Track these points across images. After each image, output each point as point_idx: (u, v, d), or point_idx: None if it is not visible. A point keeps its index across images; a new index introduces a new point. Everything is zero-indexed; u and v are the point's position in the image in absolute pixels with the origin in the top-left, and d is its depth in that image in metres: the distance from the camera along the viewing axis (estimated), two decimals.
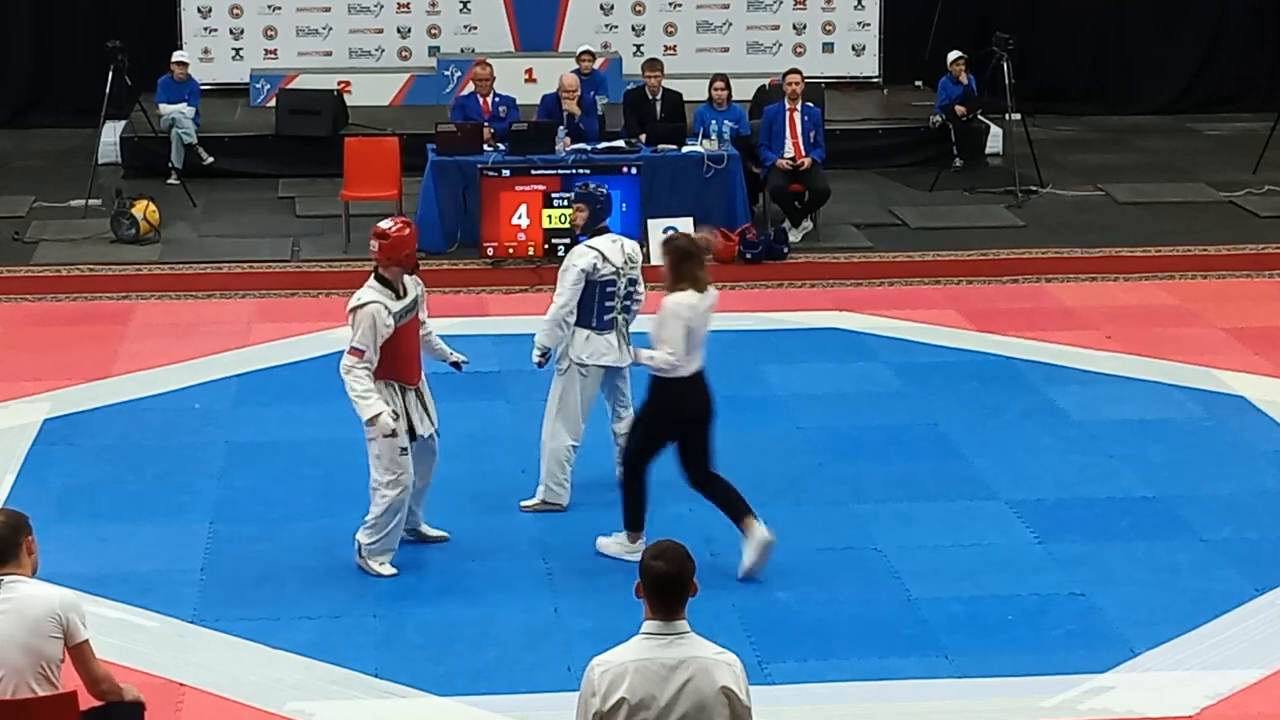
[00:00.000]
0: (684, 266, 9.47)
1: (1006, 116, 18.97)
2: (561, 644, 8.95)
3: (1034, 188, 18.56)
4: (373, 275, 9.64)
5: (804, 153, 16.80)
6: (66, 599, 6.77)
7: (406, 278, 9.68)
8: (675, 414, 9.66)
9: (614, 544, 9.98)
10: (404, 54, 21.33)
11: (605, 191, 10.90)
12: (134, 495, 10.87)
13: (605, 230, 10.67)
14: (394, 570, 9.76)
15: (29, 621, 6.67)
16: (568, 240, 15.37)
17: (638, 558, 8.82)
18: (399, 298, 9.58)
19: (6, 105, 21.51)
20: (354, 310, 9.51)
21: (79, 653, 6.79)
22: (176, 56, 19.14)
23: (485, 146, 16.45)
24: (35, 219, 17.39)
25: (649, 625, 5.89)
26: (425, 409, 9.84)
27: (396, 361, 9.59)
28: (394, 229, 9.61)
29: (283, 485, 11.01)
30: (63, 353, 13.44)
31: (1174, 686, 8.62)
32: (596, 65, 18.62)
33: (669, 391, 9.57)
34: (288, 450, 11.58)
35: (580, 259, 10.44)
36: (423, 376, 9.85)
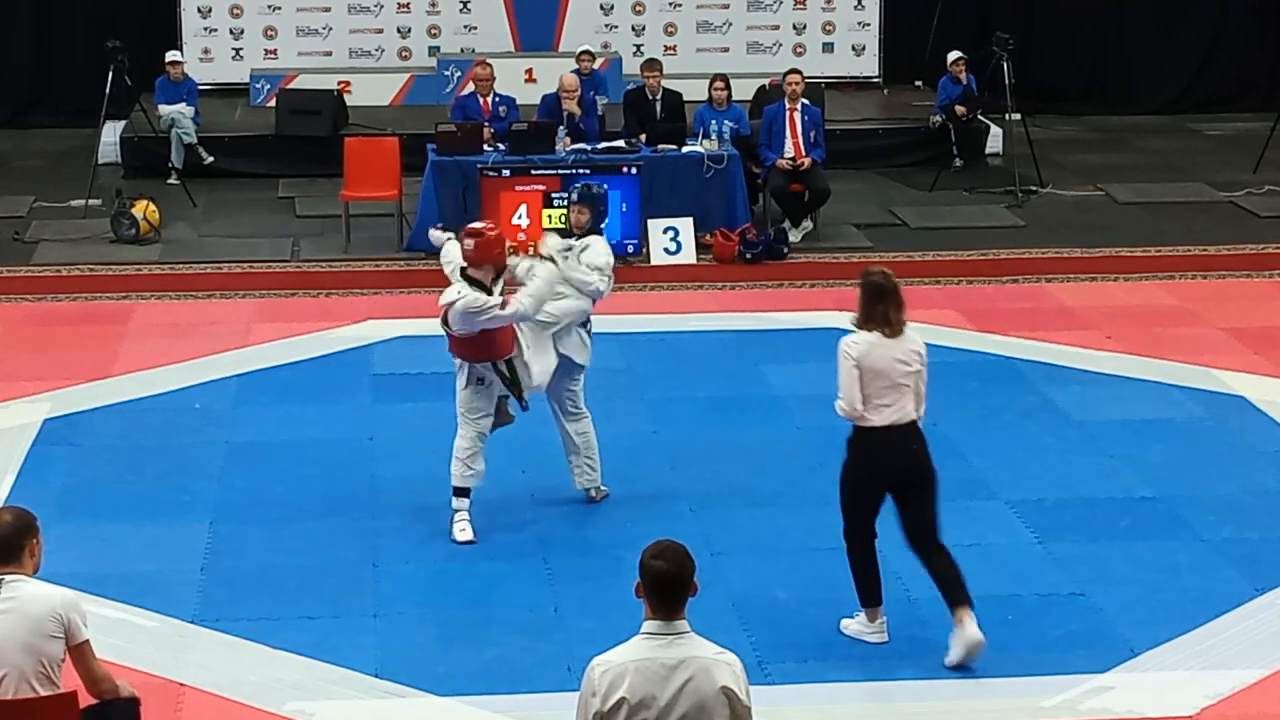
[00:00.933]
0: (875, 306, 8.75)
1: (1006, 116, 18.97)
2: (561, 644, 8.94)
3: (1034, 188, 18.56)
4: (460, 273, 9.97)
5: (804, 153, 16.79)
6: (68, 599, 6.78)
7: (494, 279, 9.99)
8: (861, 471, 8.81)
9: (855, 624, 9.05)
10: (404, 54, 21.34)
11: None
12: (134, 495, 10.87)
13: (600, 233, 10.67)
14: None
15: (30, 621, 6.67)
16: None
17: (880, 638, 8.87)
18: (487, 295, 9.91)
19: (6, 105, 21.52)
20: (450, 305, 9.86)
21: (79, 653, 6.80)
22: (170, 57, 19.13)
23: (485, 146, 16.45)
24: (35, 219, 17.40)
25: (649, 625, 5.89)
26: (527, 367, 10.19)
27: (492, 342, 9.97)
28: (488, 229, 10.02)
29: (283, 485, 11.01)
30: (63, 353, 13.44)
31: (1174, 686, 8.62)
32: (596, 65, 18.62)
33: (854, 445, 8.83)
34: (288, 450, 11.58)
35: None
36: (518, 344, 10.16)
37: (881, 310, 8.72)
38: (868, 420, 8.67)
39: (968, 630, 8.69)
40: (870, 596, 8.93)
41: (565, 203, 15.33)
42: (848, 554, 8.93)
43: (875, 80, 21.91)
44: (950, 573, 8.75)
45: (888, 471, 8.75)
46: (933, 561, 8.80)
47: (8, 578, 6.72)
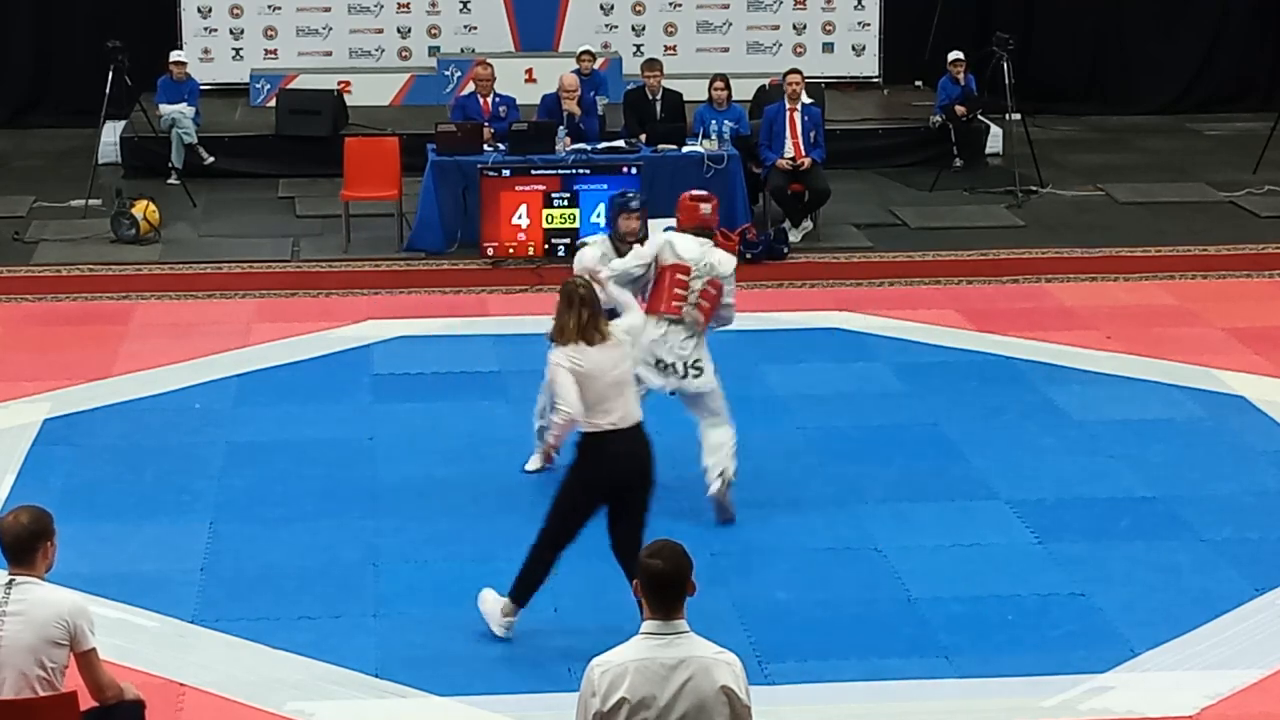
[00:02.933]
0: (565, 317, 8.80)
1: (1006, 116, 18.97)
2: (561, 644, 8.94)
3: (1034, 188, 18.56)
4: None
5: (804, 153, 16.79)
6: (76, 606, 6.76)
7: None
8: (588, 475, 8.86)
9: (491, 604, 9.08)
10: (404, 54, 21.33)
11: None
12: (134, 495, 10.87)
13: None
14: None
15: (37, 626, 6.66)
16: (568, 240, 15.41)
17: (502, 633, 8.83)
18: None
19: (6, 105, 21.51)
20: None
21: (85, 660, 6.79)
22: (174, 56, 19.13)
23: (485, 146, 16.44)
24: (35, 219, 17.39)
25: (648, 625, 5.89)
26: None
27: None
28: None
29: (283, 485, 11.01)
30: (63, 353, 13.44)
31: (1174, 686, 8.62)
32: (596, 65, 18.61)
33: (582, 450, 8.87)
34: (288, 450, 11.58)
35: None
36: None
37: (578, 321, 8.72)
38: (595, 425, 8.69)
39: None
40: (523, 594, 8.94)
41: (566, 202, 15.40)
42: (533, 550, 8.92)
43: (875, 80, 21.91)
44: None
45: (613, 473, 8.78)
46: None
47: (18, 579, 6.72)
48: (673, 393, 10.53)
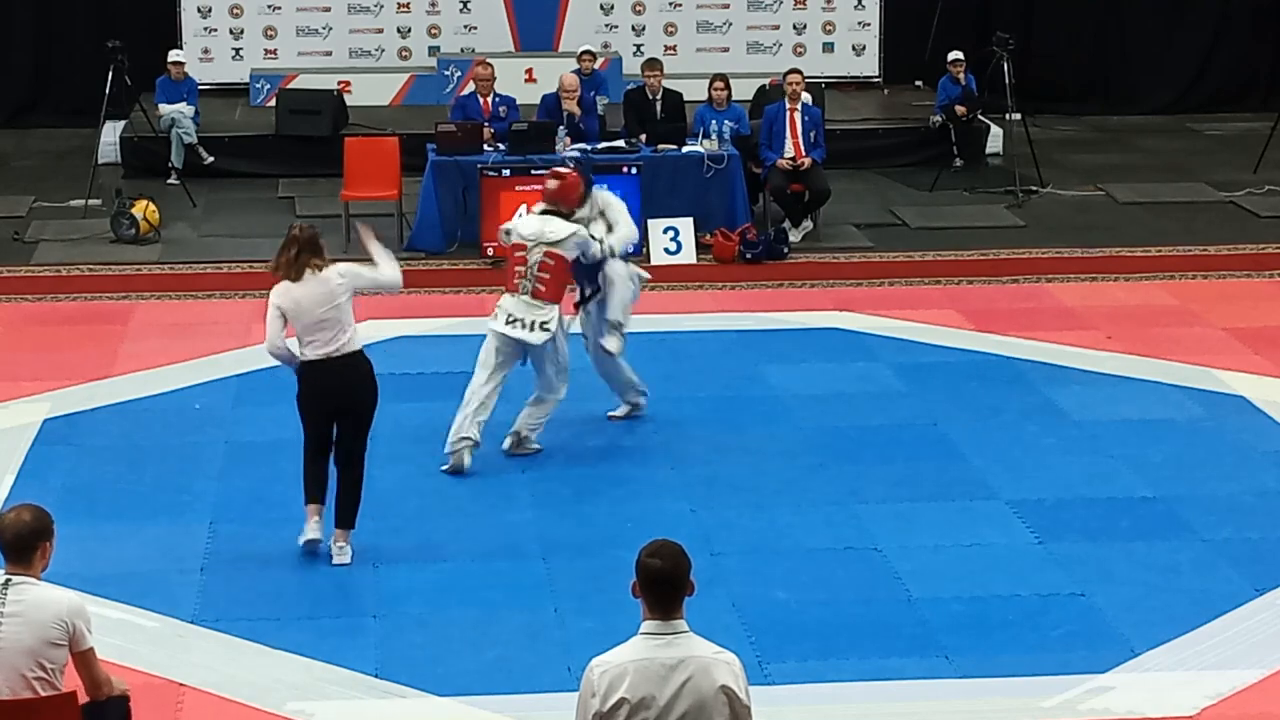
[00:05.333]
0: (280, 256, 9.81)
1: (1006, 116, 18.96)
2: (561, 644, 8.95)
3: (1034, 188, 18.56)
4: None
5: (804, 153, 16.79)
6: (74, 606, 6.75)
7: None
8: (304, 400, 9.92)
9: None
10: (404, 54, 21.33)
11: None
12: (134, 495, 10.87)
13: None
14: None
15: (36, 627, 6.65)
16: None
17: (310, 535, 9.82)
18: None
19: (6, 105, 21.51)
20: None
21: (83, 659, 6.79)
22: (173, 56, 19.12)
23: (485, 146, 16.45)
24: (35, 219, 17.39)
25: (647, 625, 5.89)
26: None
27: None
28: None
29: (283, 485, 10.98)
30: (63, 353, 13.43)
31: (1174, 686, 8.62)
32: (596, 65, 18.61)
33: (299, 378, 9.94)
34: (288, 450, 11.52)
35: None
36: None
37: (286, 259, 9.74)
38: (305, 355, 9.75)
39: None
40: (314, 494, 9.93)
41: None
42: (304, 463, 10.00)
43: (875, 80, 21.91)
44: (347, 498, 9.87)
45: (324, 399, 9.82)
46: (341, 482, 9.88)
47: (15, 579, 6.71)
48: (524, 363, 11.30)
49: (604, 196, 11.74)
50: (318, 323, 9.66)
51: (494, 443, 11.56)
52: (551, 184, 11.47)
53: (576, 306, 11.76)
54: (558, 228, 11.22)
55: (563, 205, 11.35)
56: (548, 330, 11.12)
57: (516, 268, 11.21)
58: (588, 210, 11.49)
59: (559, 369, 11.32)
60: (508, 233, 11.52)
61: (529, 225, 11.34)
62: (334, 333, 9.67)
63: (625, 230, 11.58)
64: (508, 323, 11.14)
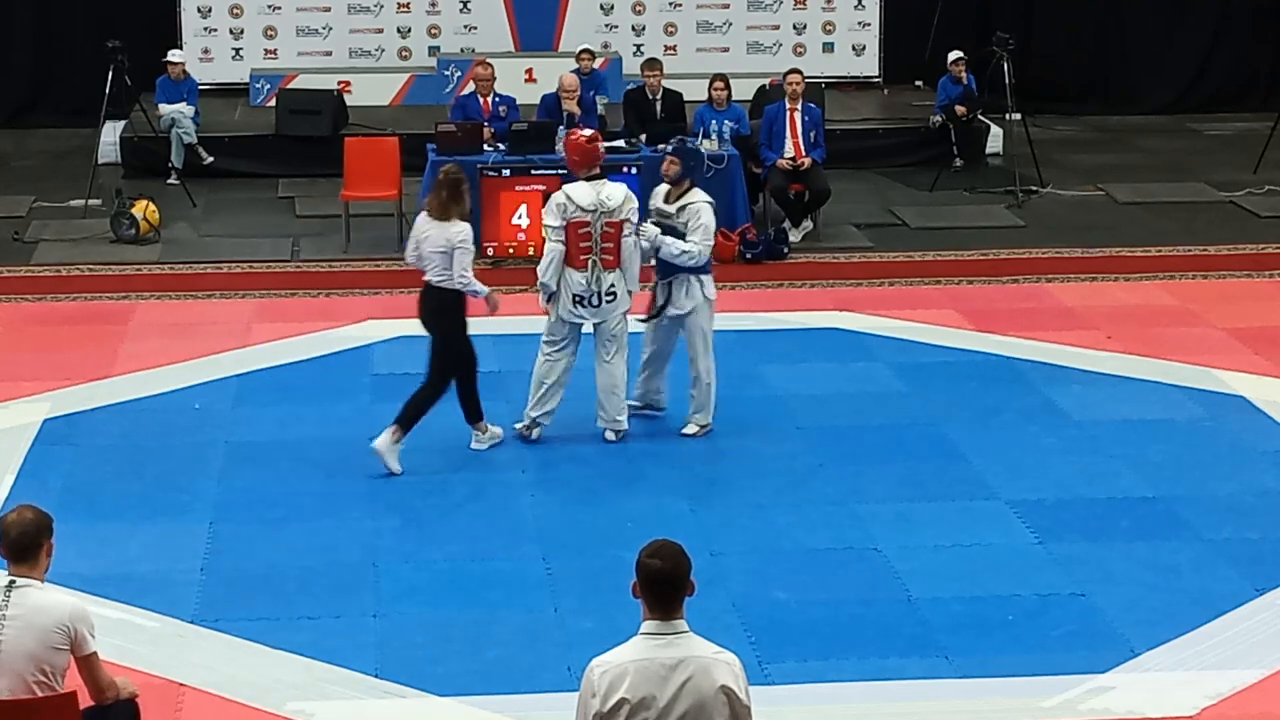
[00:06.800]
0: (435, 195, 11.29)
1: (1006, 116, 18.96)
2: (561, 644, 8.95)
3: (1034, 188, 18.56)
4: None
5: (804, 153, 16.79)
6: (76, 610, 6.74)
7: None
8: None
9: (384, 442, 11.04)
10: (404, 54, 21.33)
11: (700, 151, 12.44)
12: (134, 495, 10.87)
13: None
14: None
15: (37, 631, 6.65)
16: None
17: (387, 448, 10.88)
18: None
19: (6, 105, 21.51)
20: None
21: (86, 663, 6.78)
22: (172, 56, 19.11)
23: (485, 146, 16.45)
24: (35, 219, 17.39)
25: (647, 625, 5.89)
26: None
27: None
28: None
29: (283, 485, 11.01)
30: (63, 353, 13.43)
31: (1174, 686, 8.62)
32: (596, 65, 18.61)
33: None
34: (288, 450, 11.58)
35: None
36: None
37: (436, 199, 11.35)
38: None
39: (383, 438, 11.00)
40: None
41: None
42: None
43: (875, 80, 21.91)
44: (414, 404, 11.10)
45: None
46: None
47: (19, 582, 6.69)
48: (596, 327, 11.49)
49: (701, 207, 11.60)
50: (423, 257, 11.38)
51: (495, 445, 11.57)
52: (596, 144, 11.73)
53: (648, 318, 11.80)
54: (613, 193, 11.42)
55: (593, 167, 11.51)
56: (614, 295, 11.38)
57: (582, 244, 11.35)
58: (683, 199, 11.59)
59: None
60: (563, 207, 11.46)
61: (584, 196, 11.41)
62: (431, 269, 11.41)
63: (689, 243, 11.45)
64: (575, 302, 11.39)
